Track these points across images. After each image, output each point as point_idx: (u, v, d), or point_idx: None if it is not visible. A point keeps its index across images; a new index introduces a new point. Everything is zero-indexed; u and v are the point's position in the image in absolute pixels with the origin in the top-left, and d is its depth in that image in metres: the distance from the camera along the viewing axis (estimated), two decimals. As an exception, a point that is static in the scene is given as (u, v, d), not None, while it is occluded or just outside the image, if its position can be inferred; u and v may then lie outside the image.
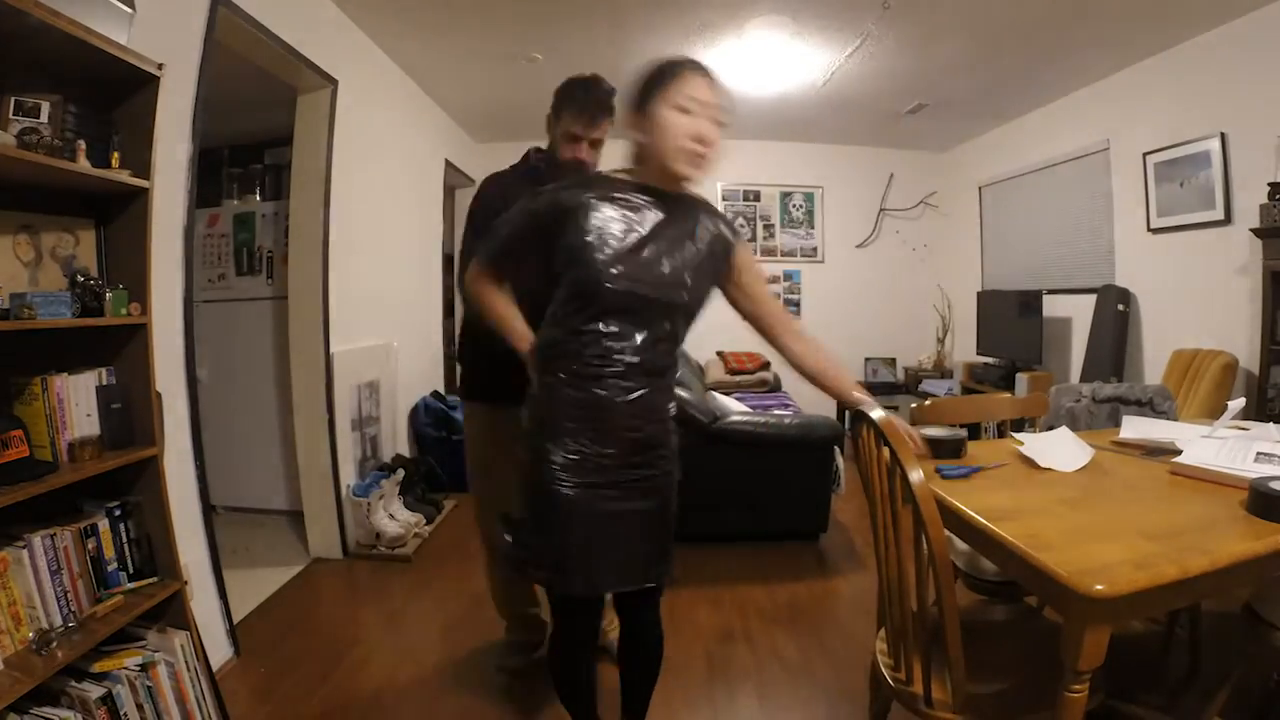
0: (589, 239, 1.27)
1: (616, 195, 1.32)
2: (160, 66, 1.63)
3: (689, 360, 4.64)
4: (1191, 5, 3.00)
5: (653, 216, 1.32)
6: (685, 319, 1.37)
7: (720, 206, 5.74)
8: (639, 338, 1.30)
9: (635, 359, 1.30)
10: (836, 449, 3.21)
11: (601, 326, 1.28)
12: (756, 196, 5.83)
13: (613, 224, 1.29)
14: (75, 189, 1.62)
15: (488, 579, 2.23)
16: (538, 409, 1.35)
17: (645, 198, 1.32)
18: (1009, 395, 2.24)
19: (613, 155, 1.54)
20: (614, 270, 1.26)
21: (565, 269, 1.30)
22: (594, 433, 1.30)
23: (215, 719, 1.77)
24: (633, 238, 1.29)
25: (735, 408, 3.40)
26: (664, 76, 1.28)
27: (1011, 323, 4.61)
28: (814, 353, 1.46)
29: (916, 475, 1.14)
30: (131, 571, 1.66)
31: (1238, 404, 1.75)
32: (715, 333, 5.79)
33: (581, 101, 1.80)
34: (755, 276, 1.43)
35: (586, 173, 1.80)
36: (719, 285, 1.42)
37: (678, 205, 1.35)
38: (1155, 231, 3.66)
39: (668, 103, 1.26)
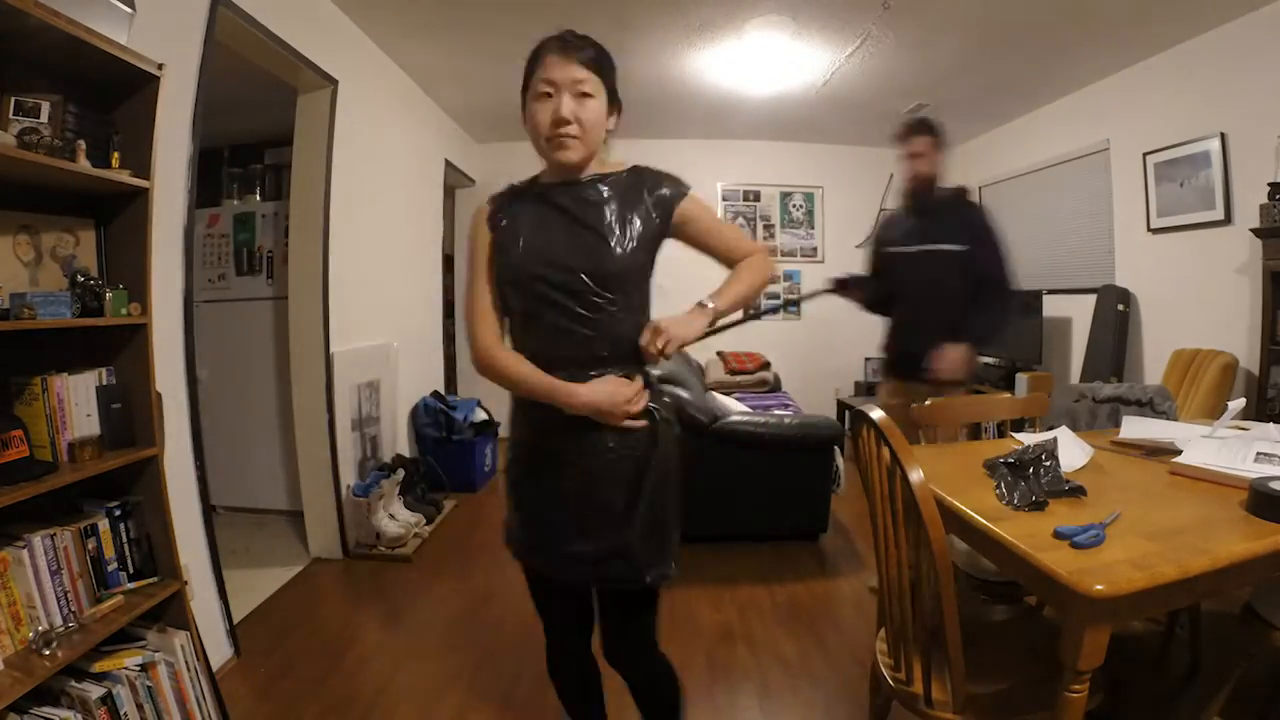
0: (511, 244, 1.29)
1: (529, 197, 1.32)
2: (160, 66, 1.64)
3: (689, 360, 4.64)
4: (1191, 5, 3.00)
5: (565, 204, 1.28)
6: (623, 291, 1.27)
7: (720, 206, 5.76)
8: (581, 321, 1.25)
9: (583, 344, 1.25)
10: (836, 449, 3.21)
11: (538, 320, 1.27)
12: (756, 196, 5.83)
13: (527, 223, 1.30)
14: (75, 189, 1.62)
15: None
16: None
17: (556, 191, 1.30)
18: (1009, 395, 2.24)
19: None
20: (531, 261, 1.25)
21: (503, 281, 1.31)
22: (542, 424, 1.30)
23: (215, 719, 1.77)
24: (546, 229, 1.27)
25: (735, 408, 3.40)
26: (528, 70, 1.25)
27: (1011, 323, 4.61)
28: (739, 268, 1.38)
29: (916, 475, 1.14)
30: (131, 571, 1.66)
31: (1238, 404, 1.75)
32: (715, 333, 5.81)
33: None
34: (702, 230, 1.35)
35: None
36: (673, 238, 1.34)
37: (588, 191, 1.30)
38: (1155, 231, 3.66)
39: (532, 95, 1.23)
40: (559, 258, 1.25)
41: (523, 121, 1.30)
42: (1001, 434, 2.58)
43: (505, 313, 1.34)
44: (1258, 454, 1.42)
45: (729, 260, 1.37)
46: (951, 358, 2.29)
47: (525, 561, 1.41)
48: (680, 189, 1.33)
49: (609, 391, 1.24)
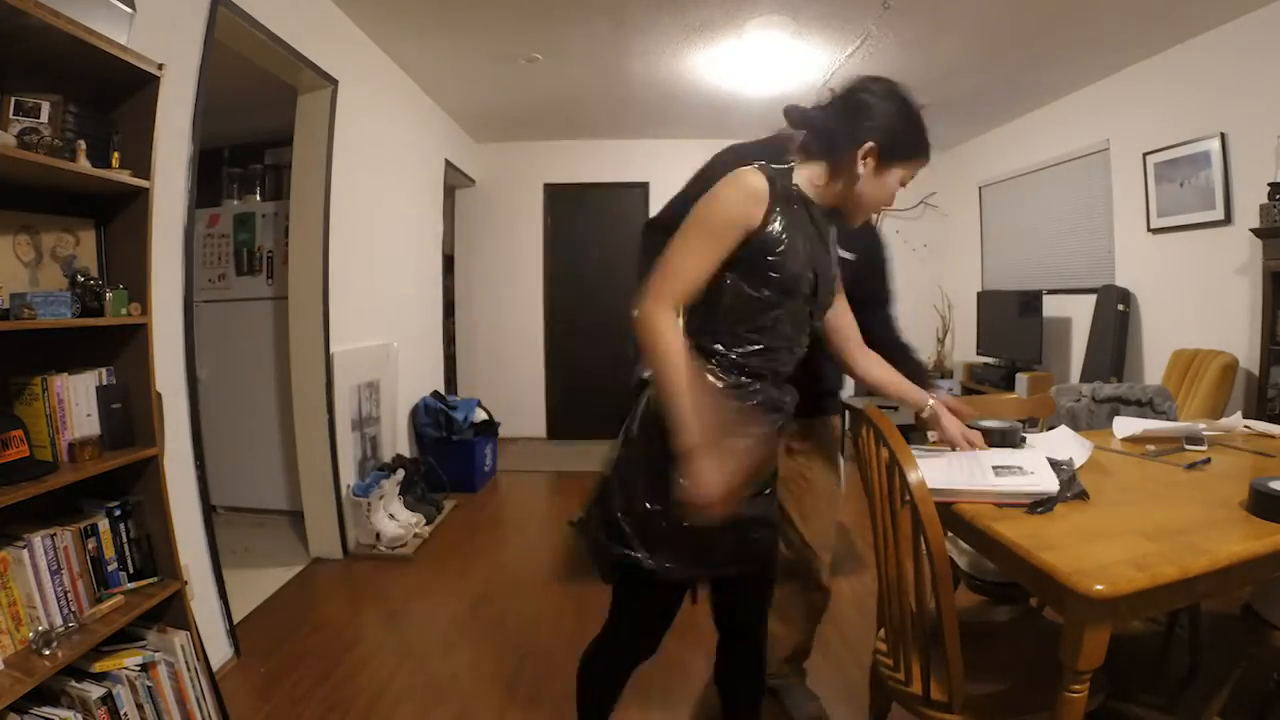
0: (783, 247, 1.22)
1: (798, 207, 1.28)
2: (160, 66, 1.64)
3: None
4: (1191, 5, 2.99)
5: (824, 232, 1.34)
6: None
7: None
8: (800, 342, 1.32)
9: (789, 364, 1.32)
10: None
11: (771, 331, 1.26)
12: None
13: (802, 234, 1.26)
14: (75, 189, 1.62)
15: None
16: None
17: (821, 215, 1.32)
18: (1016, 396, 2.24)
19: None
20: (802, 280, 1.25)
21: (756, 274, 1.23)
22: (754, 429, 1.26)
23: (215, 719, 1.77)
24: (810, 252, 1.28)
25: (735, 408, 3.39)
26: (917, 149, 1.31)
27: (1011, 323, 4.61)
28: (878, 365, 1.49)
29: (915, 476, 1.14)
30: (131, 571, 1.66)
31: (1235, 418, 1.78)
32: (715, 333, 5.77)
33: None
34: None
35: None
36: None
37: (828, 226, 1.36)
38: (1155, 231, 3.66)
39: (902, 175, 1.30)
40: (823, 283, 1.31)
41: (866, 158, 1.25)
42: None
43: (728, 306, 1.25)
44: (994, 467, 1.38)
45: (849, 333, 1.50)
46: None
47: (704, 574, 1.33)
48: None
49: (721, 487, 1.14)
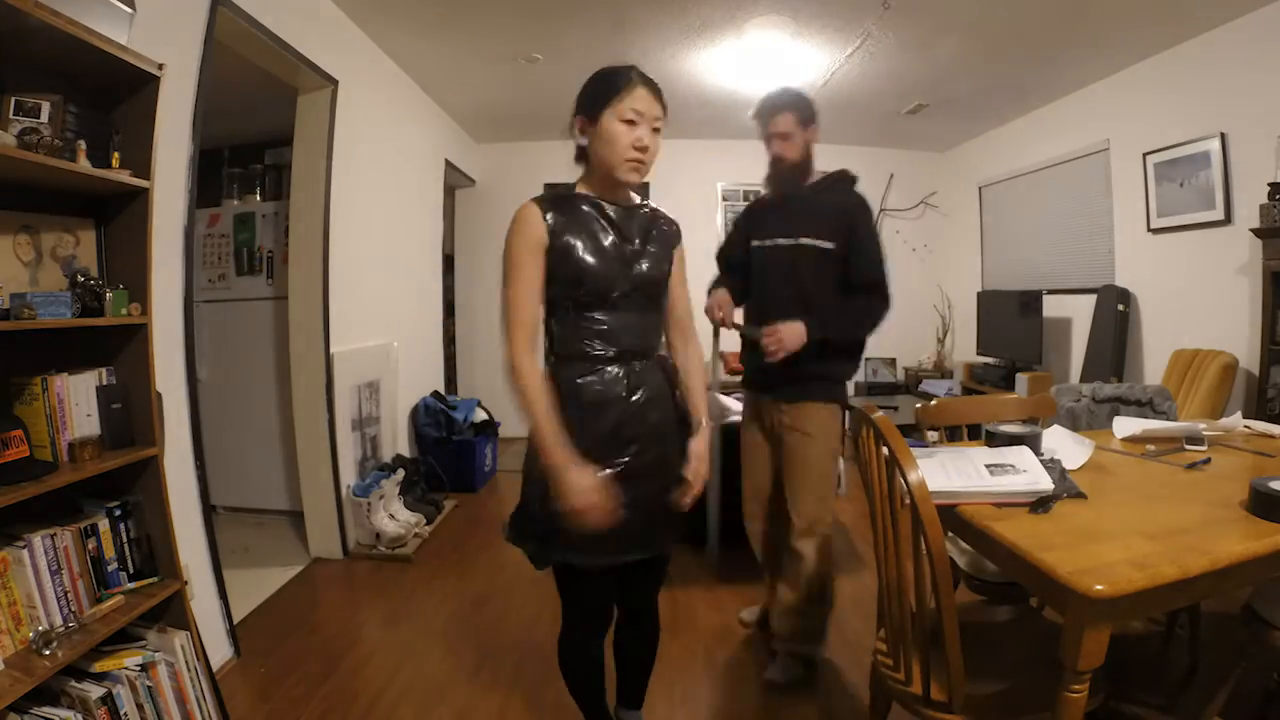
0: (578, 247, 1.36)
1: (577, 206, 1.41)
2: (160, 66, 1.64)
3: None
4: (1191, 5, 3.00)
5: (619, 220, 1.43)
6: (659, 301, 1.50)
7: (720, 206, 5.78)
8: (629, 325, 1.41)
9: (630, 343, 1.42)
10: (836, 449, 3.21)
11: (597, 319, 1.39)
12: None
13: (589, 233, 1.39)
14: (75, 189, 1.62)
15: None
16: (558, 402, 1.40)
17: (604, 209, 1.42)
18: (1016, 396, 2.24)
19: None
20: (601, 269, 1.37)
21: (561, 279, 1.38)
22: (609, 415, 1.38)
23: (215, 719, 1.77)
24: (607, 241, 1.40)
25: (735, 407, 3.39)
26: (613, 89, 1.36)
27: (1011, 323, 4.61)
28: (689, 361, 1.57)
29: (915, 476, 1.14)
30: (131, 571, 1.66)
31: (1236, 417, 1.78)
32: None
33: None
34: (677, 277, 1.54)
35: None
36: None
37: (629, 214, 1.46)
38: (1155, 231, 3.66)
39: (616, 115, 1.35)
40: (635, 264, 1.42)
41: (583, 132, 1.40)
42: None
43: (554, 309, 1.41)
44: (986, 465, 1.38)
45: (672, 319, 1.56)
46: (790, 331, 1.90)
47: (607, 561, 1.40)
48: (679, 233, 1.55)
49: (594, 495, 1.29)
